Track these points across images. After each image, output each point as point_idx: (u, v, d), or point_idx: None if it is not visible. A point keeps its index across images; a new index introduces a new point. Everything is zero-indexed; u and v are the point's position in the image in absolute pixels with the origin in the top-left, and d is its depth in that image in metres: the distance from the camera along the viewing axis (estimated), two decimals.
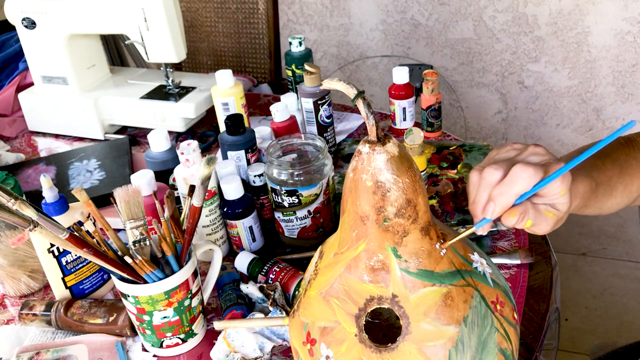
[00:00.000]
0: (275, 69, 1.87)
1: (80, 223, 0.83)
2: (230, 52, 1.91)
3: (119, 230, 0.84)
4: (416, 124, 1.23)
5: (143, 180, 0.89)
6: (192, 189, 0.75)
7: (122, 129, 1.38)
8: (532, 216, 0.58)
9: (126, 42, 1.26)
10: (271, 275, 0.87)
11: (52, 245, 0.84)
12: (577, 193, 0.63)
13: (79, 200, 0.73)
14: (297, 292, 0.81)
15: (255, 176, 0.96)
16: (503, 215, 0.58)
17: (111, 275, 0.77)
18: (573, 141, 2.31)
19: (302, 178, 0.90)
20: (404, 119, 1.21)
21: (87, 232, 0.73)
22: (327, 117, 1.13)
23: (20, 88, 1.45)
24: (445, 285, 0.58)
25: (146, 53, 1.26)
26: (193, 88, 1.32)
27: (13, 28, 1.46)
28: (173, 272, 0.76)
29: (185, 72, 1.91)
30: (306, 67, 1.10)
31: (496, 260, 0.88)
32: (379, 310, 0.69)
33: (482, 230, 0.60)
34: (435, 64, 2.36)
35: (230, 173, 0.94)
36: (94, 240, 0.73)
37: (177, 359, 0.81)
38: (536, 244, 0.92)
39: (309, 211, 0.92)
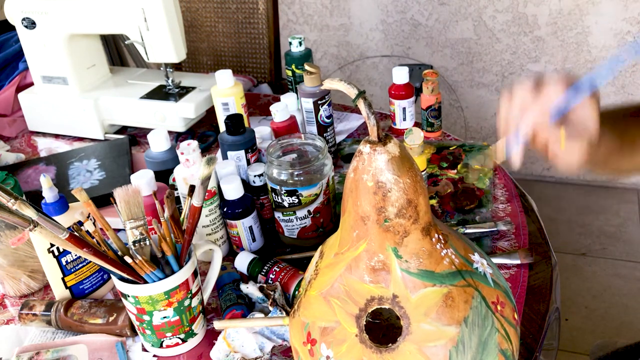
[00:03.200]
0: (275, 69, 1.87)
1: (80, 223, 0.83)
2: (230, 52, 1.91)
3: (119, 230, 0.84)
4: (416, 124, 1.23)
5: (143, 180, 0.89)
6: (192, 189, 0.75)
7: (122, 129, 1.38)
8: (563, 138, 0.60)
9: (126, 42, 1.26)
10: (271, 275, 0.87)
11: (52, 245, 0.84)
12: (604, 141, 0.64)
13: (79, 200, 0.73)
14: (297, 292, 0.81)
15: (255, 176, 0.96)
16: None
17: (111, 275, 0.77)
18: None
19: (302, 178, 0.90)
20: (404, 119, 1.21)
21: (87, 232, 0.73)
22: (327, 117, 1.13)
23: (20, 88, 1.45)
24: (445, 286, 0.58)
25: (146, 53, 1.26)
26: (193, 88, 1.32)
27: (13, 28, 1.45)
28: (173, 272, 0.76)
29: (185, 72, 1.91)
30: (306, 67, 1.10)
31: (496, 260, 0.88)
32: (379, 310, 0.69)
33: (515, 154, 0.62)
34: (435, 64, 2.36)
35: (230, 173, 0.94)
36: (94, 240, 0.73)
37: (177, 359, 0.81)
38: (536, 244, 0.92)
39: (308, 211, 0.92)
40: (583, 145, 0.62)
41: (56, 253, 0.85)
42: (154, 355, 0.81)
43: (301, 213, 0.92)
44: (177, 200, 0.96)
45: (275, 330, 0.81)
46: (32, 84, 1.44)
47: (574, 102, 0.59)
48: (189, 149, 0.91)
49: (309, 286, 0.64)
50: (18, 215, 0.65)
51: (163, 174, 0.98)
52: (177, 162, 0.95)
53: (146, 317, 0.77)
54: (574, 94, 0.59)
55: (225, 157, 1.02)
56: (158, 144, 0.98)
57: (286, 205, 0.92)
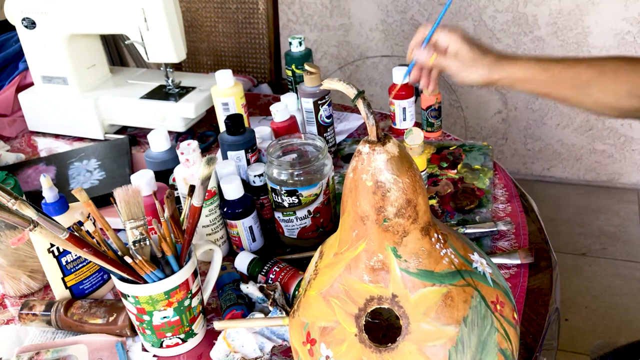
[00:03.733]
0: (275, 69, 1.87)
1: (80, 223, 0.83)
2: (230, 52, 1.91)
3: (119, 230, 0.84)
4: (416, 124, 1.23)
5: (143, 180, 0.89)
6: (192, 189, 0.75)
7: (122, 129, 1.38)
8: (432, 52, 0.91)
9: (126, 42, 1.26)
10: (271, 275, 0.87)
11: (52, 245, 0.84)
12: (564, 75, 0.86)
13: (79, 200, 0.73)
14: (297, 292, 0.81)
15: (255, 176, 0.96)
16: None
17: (111, 275, 0.77)
18: (573, 141, 2.32)
19: (302, 178, 0.90)
20: (404, 119, 1.21)
21: (87, 232, 0.73)
22: (327, 117, 1.13)
23: (20, 88, 1.45)
24: (445, 285, 0.58)
25: (146, 53, 1.26)
26: (193, 88, 1.32)
27: (13, 28, 1.45)
28: (173, 272, 0.76)
29: (185, 72, 1.92)
30: (306, 67, 1.10)
31: (496, 260, 0.88)
32: (379, 310, 0.69)
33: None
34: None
35: (230, 173, 0.94)
36: (94, 240, 0.73)
37: (177, 359, 0.81)
38: (536, 244, 0.92)
39: (309, 211, 0.92)
40: (459, 62, 0.90)
41: (56, 253, 0.85)
42: (154, 355, 0.81)
43: (301, 213, 0.92)
44: (177, 200, 0.96)
45: (275, 330, 0.81)
46: (32, 84, 1.44)
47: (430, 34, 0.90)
48: (189, 149, 0.91)
49: (309, 286, 0.64)
50: (18, 215, 0.65)
51: (163, 174, 0.98)
52: (177, 162, 0.95)
53: (146, 317, 0.77)
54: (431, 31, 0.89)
55: (225, 157, 1.02)
56: (158, 144, 0.98)
57: (286, 205, 0.92)
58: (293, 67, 1.28)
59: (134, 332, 0.83)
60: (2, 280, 0.93)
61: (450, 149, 1.15)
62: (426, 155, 1.09)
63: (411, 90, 1.19)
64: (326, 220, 0.94)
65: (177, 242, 0.77)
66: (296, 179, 0.90)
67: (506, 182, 1.05)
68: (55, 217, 0.79)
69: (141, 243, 0.75)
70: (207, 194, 0.83)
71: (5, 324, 0.90)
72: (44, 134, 1.42)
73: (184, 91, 1.31)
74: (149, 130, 1.24)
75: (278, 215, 0.94)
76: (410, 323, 0.57)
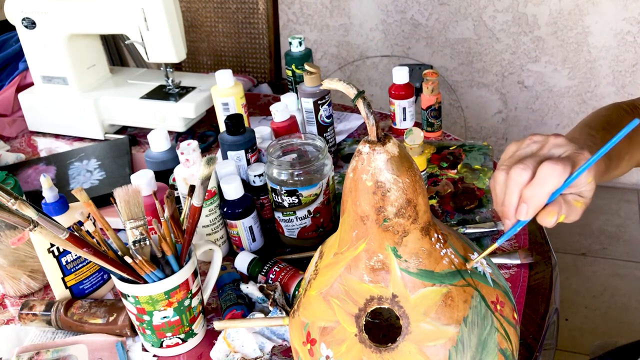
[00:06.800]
0: (275, 69, 1.87)
1: (80, 223, 0.83)
2: (230, 52, 1.91)
3: (119, 230, 0.84)
4: (416, 124, 1.23)
5: (143, 180, 0.89)
6: (192, 189, 0.75)
7: (122, 129, 1.38)
8: (564, 210, 0.58)
9: (126, 42, 1.26)
10: (271, 275, 0.87)
11: (52, 245, 0.84)
12: (597, 174, 0.62)
13: (79, 200, 0.73)
14: (297, 292, 0.81)
15: (255, 176, 0.96)
16: (539, 215, 0.57)
17: (111, 275, 0.77)
18: None
19: (302, 178, 0.90)
20: (404, 119, 1.21)
21: (87, 232, 0.73)
22: (327, 117, 1.13)
23: (20, 88, 1.45)
24: (445, 285, 0.58)
25: (146, 53, 1.26)
26: (193, 88, 1.32)
27: (13, 28, 1.46)
28: (173, 272, 0.76)
29: (185, 72, 1.91)
30: (306, 67, 1.10)
31: (496, 260, 0.88)
32: (379, 310, 0.69)
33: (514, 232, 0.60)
34: (435, 64, 2.36)
35: (230, 173, 0.94)
36: (94, 240, 0.73)
37: (177, 359, 0.81)
38: (536, 244, 0.92)
39: (309, 211, 0.92)
40: (582, 208, 0.60)
41: (56, 253, 0.85)
42: (154, 355, 0.81)
43: (301, 213, 0.92)
44: (177, 200, 0.96)
45: (275, 330, 0.81)
46: (32, 84, 1.44)
47: (572, 181, 0.56)
48: (189, 149, 0.91)
49: (309, 286, 0.64)
50: (18, 215, 0.65)
51: (163, 174, 0.98)
52: (177, 162, 0.95)
53: (146, 317, 0.77)
54: (574, 177, 0.56)
55: (225, 157, 1.02)
56: (158, 144, 0.98)
57: (286, 205, 0.92)
58: (293, 67, 1.28)
59: (134, 332, 0.83)
60: (2, 280, 0.93)
61: (450, 149, 1.15)
62: (426, 155, 1.09)
63: (411, 90, 1.19)
64: (326, 220, 0.94)
65: (177, 242, 0.77)
66: (296, 179, 0.90)
67: None
68: (55, 217, 0.79)
69: (141, 243, 0.75)
70: (207, 194, 0.83)
71: (5, 324, 0.90)
72: (44, 134, 1.42)
73: (184, 91, 1.31)
74: (149, 130, 1.24)
75: (278, 215, 0.94)
76: (410, 323, 0.57)
